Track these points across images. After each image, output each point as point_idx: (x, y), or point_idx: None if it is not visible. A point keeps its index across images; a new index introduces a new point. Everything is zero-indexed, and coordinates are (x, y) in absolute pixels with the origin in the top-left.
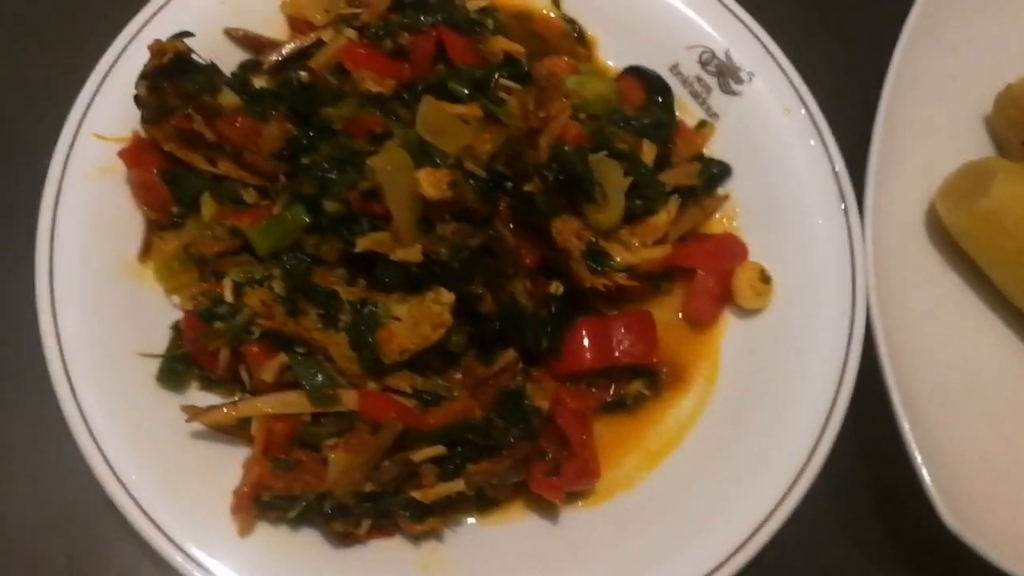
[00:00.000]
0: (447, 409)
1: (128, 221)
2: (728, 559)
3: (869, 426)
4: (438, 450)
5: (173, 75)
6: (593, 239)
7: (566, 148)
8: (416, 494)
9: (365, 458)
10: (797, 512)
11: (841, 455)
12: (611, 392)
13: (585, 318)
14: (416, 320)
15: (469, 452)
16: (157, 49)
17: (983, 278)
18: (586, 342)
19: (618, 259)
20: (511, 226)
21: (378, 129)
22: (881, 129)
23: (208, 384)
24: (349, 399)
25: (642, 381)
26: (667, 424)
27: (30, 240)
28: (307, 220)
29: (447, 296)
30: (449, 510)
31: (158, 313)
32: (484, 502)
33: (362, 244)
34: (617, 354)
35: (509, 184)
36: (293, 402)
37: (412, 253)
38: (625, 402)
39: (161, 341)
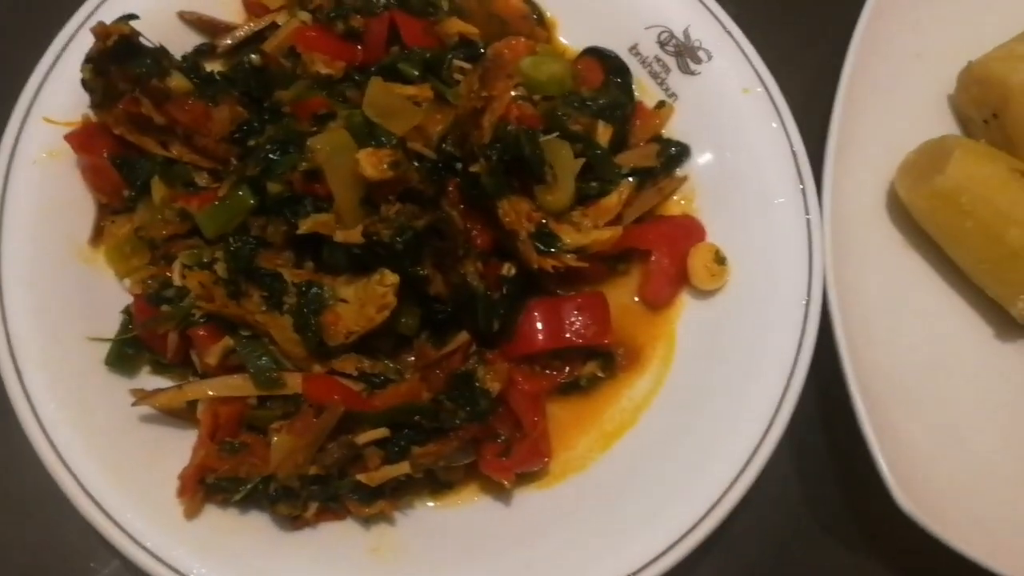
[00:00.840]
0: (393, 392)
1: (79, 205)
2: (681, 539)
3: (831, 409)
4: (381, 432)
5: (119, 59)
6: (544, 220)
7: (510, 128)
8: (361, 477)
9: (308, 441)
10: (757, 494)
11: (805, 439)
12: (565, 374)
13: (538, 300)
14: (362, 302)
15: (416, 435)
16: (100, 32)
17: (943, 257)
18: (539, 324)
19: (567, 240)
20: (461, 207)
21: (322, 110)
22: (841, 108)
23: (159, 368)
24: (293, 382)
25: (596, 362)
26: (622, 405)
27: None
28: (252, 202)
29: (391, 278)
30: (400, 493)
31: (109, 297)
32: (436, 485)
33: (305, 226)
34: (569, 335)
35: (459, 165)
36: (238, 385)
37: (354, 234)
38: (579, 383)
39: (112, 325)
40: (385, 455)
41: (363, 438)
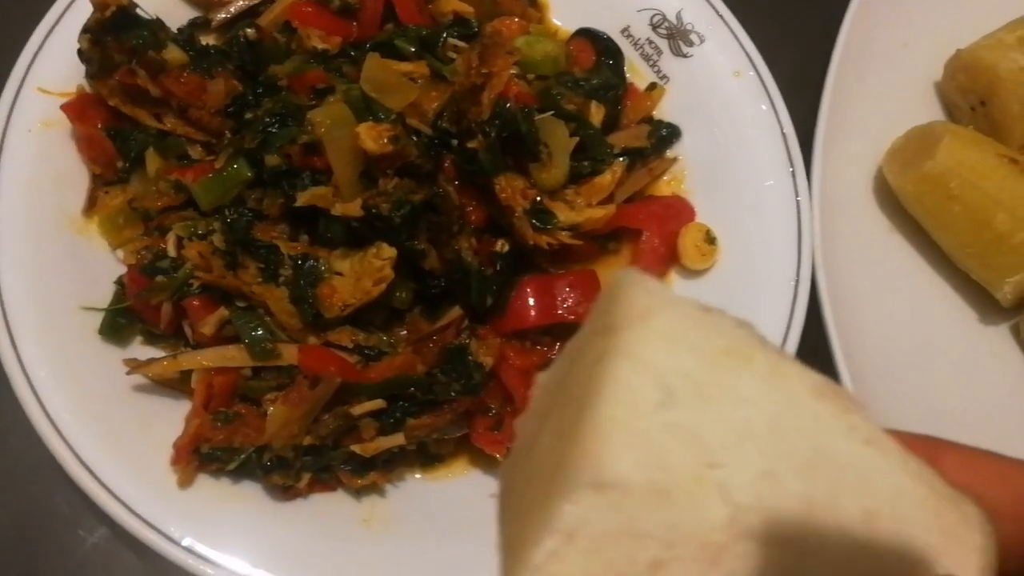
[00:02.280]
0: (388, 364)
1: (72, 176)
2: None
3: None
4: (377, 404)
5: (116, 29)
6: (538, 198)
7: (509, 106)
8: (356, 448)
9: (303, 411)
10: None
11: None
12: (556, 350)
13: (530, 277)
14: (358, 275)
15: (410, 407)
16: (99, 2)
17: (930, 242)
18: (531, 300)
19: (561, 218)
20: (456, 183)
21: (321, 84)
22: (830, 93)
23: (152, 339)
24: (289, 353)
25: None
26: None
27: None
28: (249, 175)
29: (388, 251)
30: (391, 465)
31: (102, 268)
32: (427, 458)
33: (303, 199)
34: (561, 312)
35: (454, 141)
36: (233, 356)
37: (352, 208)
38: None
39: (105, 295)
40: (380, 426)
41: (359, 409)
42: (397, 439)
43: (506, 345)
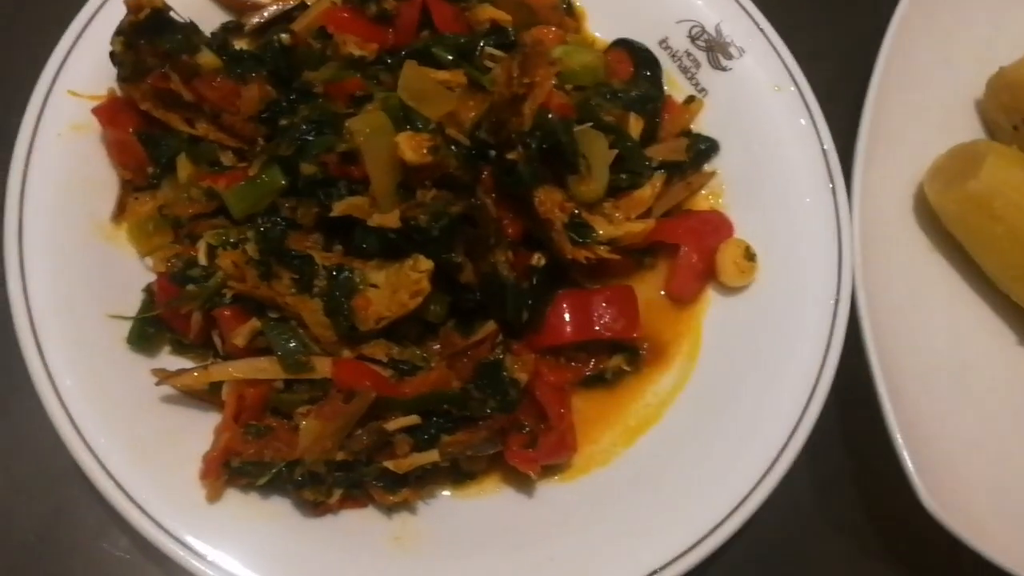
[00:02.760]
0: (423, 379)
1: (102, 181)
2: (702, 540)
3: (853, 412)
4: (412, 419)
5: (150, 32)
6: (576, 211)
7: (550, 117)
8: (389, 464)
9: (337, 426)
10: (778, 497)
11: (824, 440)
12: (591, 367)
13: (566, 291)
14: (394, 287)
15: (444, 423)
16: (133, 4)
17: (970, 262)
18: (567, 315)
19: (600, 232)
20: (493, 195)
21: (358, 92)
22: (871, 109)
23: (180, 348)
24: (323, 366)
25: (622, 356)
26: (646, 400)
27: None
28: (283, 183)
29: (425, 263)
30: (423, 482)
31: (130, 275)
32: (459, 475)
33: (339, 208)
34: (598, 328)
35: (492, 152)
36: (265, 368)
37: (390, 219)
38: (604, 377)
39: (133, 304)
40: (414, 443)
41: (393, 424)
42: (431, 455)
43: (540, 361)
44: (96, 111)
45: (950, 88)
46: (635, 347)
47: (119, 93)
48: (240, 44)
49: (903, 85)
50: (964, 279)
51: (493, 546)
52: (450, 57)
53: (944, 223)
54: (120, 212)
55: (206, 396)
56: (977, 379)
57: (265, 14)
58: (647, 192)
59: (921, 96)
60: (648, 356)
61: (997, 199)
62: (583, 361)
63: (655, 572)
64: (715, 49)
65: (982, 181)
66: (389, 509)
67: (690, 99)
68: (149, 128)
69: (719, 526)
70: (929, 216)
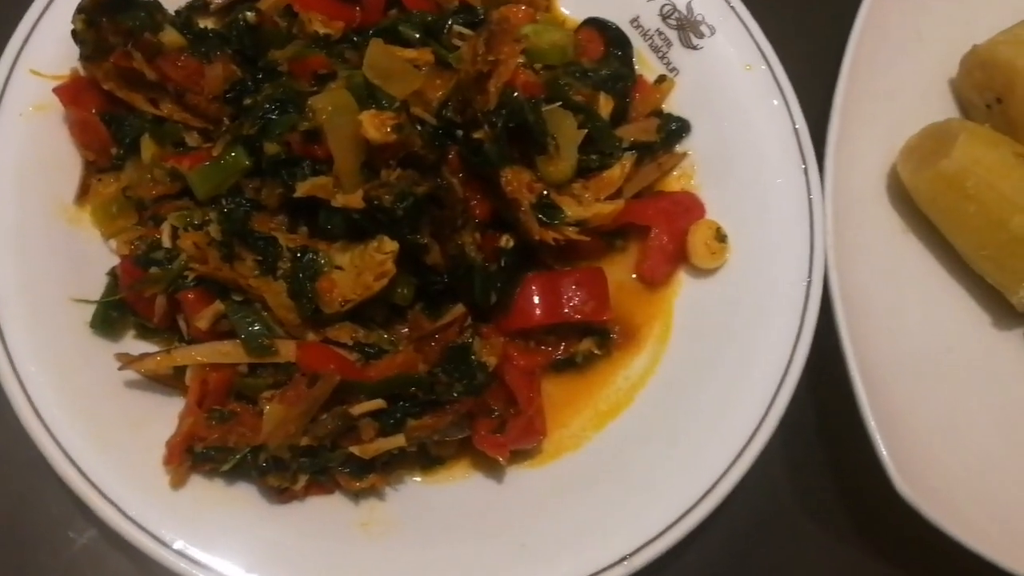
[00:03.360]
0: (388, 362)
1: (65, 162)
2: (674, 524)
3: (826, 395)
4: (377, 404)
5: (112, 10)
6: (544, 192)
7: (516, 95)
8: (355, 449)
9: (301, 410)
10: (752, 481)
11: (797, 423)
12: (560, 350)
13: (535, 274)
14: (358, 270)
15: (411, 407)
16: None
17: (943, 242)
18: (536, 298)
19: (569, 213)
20: (460, 175)
21: (323, 70)
22: (843, 88)
23: (145, 333)
24: (287, 350)
25: (592, 340)
26: (617, 384)
27: None
28: (247, 163)
29: (390, 245)
30: (390, 467)
31: (94, 258)
32: (428, 460)
33: (302, 188)
34: (567, 310)
35: (459, 131)
36: (228, 352)
37: (354, 199)
38: (575, 360)
39: (97, 287)
40: (380, 427)
41: (358, 409)
42: (397, 440)
43: (509, 344)
44: (58, 91)
45: (923, 67)
46: (606, 330)
47: (82, 72)
48: (205, 23)
49: (876, 64)
50: (937, 259)
51: (463, 532)
52: (417, 35)
53: (917, 203)
54: (83, 193)
55: (170, 381)
56: (951, 360)
57: None
58: (617, 173)
59: (894, 75)
60: (619, 339)
61: (969, 178)
62: (553, 344)
63: (627, 557)
64: (686, 28)
65: (954, 160)
66: (356, 495)
67: (661, 78)
68: (112, 108)
69: (691, 509)
70: (902, 196)
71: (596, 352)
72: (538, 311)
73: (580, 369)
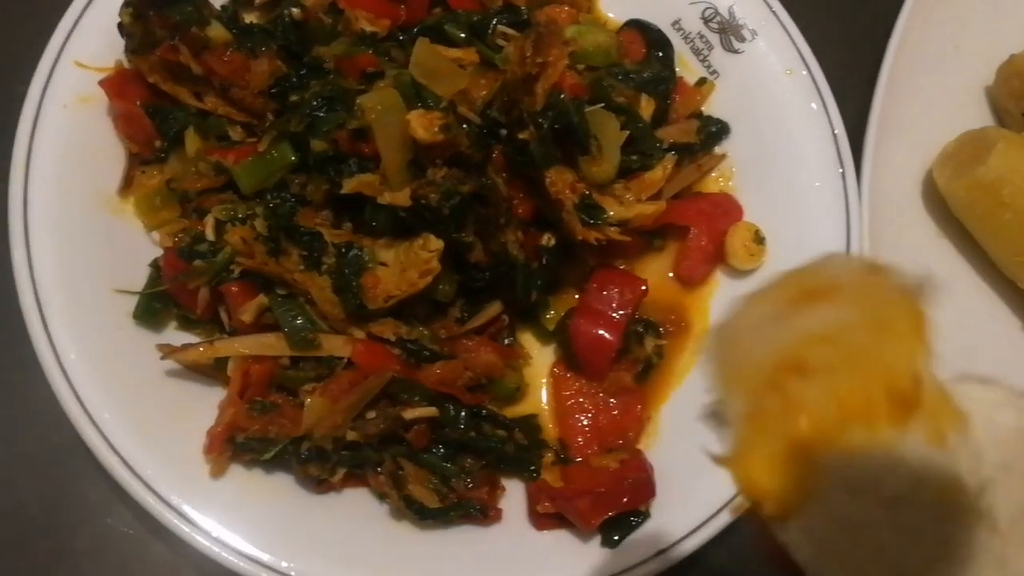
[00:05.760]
0: (442, 367)
1: (109, 153)
2: (710, 519)
3: None
4: (430, 411)
5: (160, 4)
6: (587, 192)
7: (563, 97)
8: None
9: (348, 403)
10: None
11: None
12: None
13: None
14: (403, 266)
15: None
16: None
17: (977, 248)
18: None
19: (611, 213)
20: (504, 175)
21: (370, 68)
22: (882, 95)
23: (187, 324)
24: (329, 344)
25: (651, 337)
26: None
27: (4, 170)
28: (293, 159)
29: (436, 243)
30: None
31: (137, 249)
32: None
33: (349, 186)
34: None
35: (503, 131)
36: (271, 344)
37: (401, 197)
38: (652, 361)
39: (139, 278)
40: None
41: (411, 414)
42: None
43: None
44: (103, 83)
45: (960, 74)
46: (657, 326)
47: (127, 65)
48: (250, 18)
49: (914, 71)
50: (972, 265)
51: (501, 526)
52: (462, 35)
53: (952, 209)
54: (127, 185)
55: (211, 372)
56: (981, 365)
57: None
58: (658, 174)
59: (931, 82)
60: (672, 329)
61: (1006, 186)
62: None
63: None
64: (728, 31)
65: (991, 168)
66: None
67: (702, 81)
68: (157, 101)
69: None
70: (937, 202)
71: (661, 344)
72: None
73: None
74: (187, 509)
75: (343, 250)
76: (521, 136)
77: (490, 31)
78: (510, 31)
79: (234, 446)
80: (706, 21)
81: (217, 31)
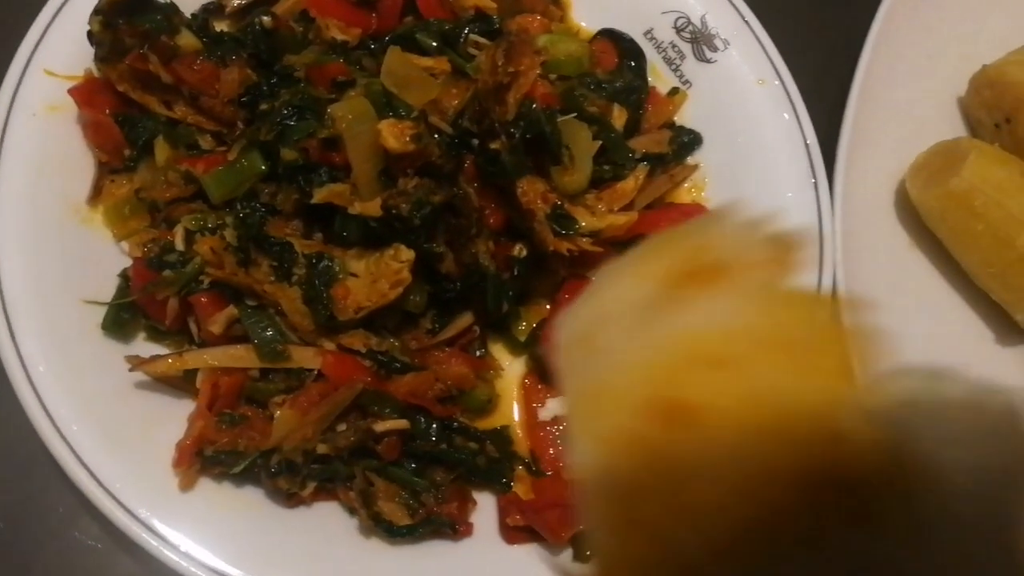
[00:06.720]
0: (411, 380)
1: (78, 162)
2: None
3: None
4: (402, 423)
5: (129, 12)
6: (559, 202)
7: (534, 107)
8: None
9: (317, 416)
10: None
11: None
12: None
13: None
14: (374, 277)
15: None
16: None
17: (950, 259)
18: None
19: (583, 223)
20: (475, 185)
21: (341, 77)
22: (854, 105)
23: (156, 335)
24: (299, 355)
25: None
26: None
27: None
28: (263, 168)
29: (407, 253)
30: None
31: (106, 259)
32: None
33: (320, 195)
34: None
35: (475, 141)
36: (241, 356)
37: (371, 207)
38: None
39: (108, 289)
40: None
41: (382, 426)
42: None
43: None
44: (73, 91)
45: (933, 85)
46: None
47: (96, 74)
48: (221, 26)
49: (886, 82)
50: (944, 276)
51: (475, 537)
52: (434, 44)
53: (925, 220)
54: (96, 194)
55: (181, 384)
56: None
57: None
58: (630, 184)
59: (904, 93)
60: None
61: (978, 197)
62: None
63: None
64: (700, 41)
65: (964, 178)
66: None
67: (674, 91)
68: (126, 110)
69: None
70: (910, 213)
71: None
72: None
73: None
74: (156, 523)
75: (313, 261)
76: (493, 146)
77: (462, 40)
78: (482, 40)
79: (203, 459)
80: (678, 31)
81: (187, 39)
